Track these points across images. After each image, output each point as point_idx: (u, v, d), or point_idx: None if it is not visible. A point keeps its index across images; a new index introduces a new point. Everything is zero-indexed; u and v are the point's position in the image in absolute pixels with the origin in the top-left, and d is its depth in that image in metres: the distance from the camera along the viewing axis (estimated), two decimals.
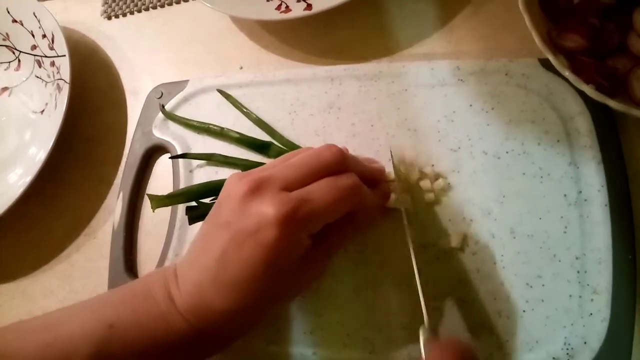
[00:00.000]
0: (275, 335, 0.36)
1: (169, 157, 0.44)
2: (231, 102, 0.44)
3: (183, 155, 0.43)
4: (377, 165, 0.38)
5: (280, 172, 0.31)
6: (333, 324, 0.36)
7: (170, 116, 0.45)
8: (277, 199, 0.29)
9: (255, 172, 0.32)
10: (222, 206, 0.31)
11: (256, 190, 0.30)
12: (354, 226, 0.34)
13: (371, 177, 0.36)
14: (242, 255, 0.29)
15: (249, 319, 0.32)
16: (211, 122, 0.44)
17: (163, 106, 0.46)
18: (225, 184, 0.32)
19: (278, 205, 0.28)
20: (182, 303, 0.31)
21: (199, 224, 0.37)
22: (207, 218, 0.33)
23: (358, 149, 0.40)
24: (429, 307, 0.31)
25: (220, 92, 0.45)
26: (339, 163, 0.32)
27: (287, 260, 0.30)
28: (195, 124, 0.44)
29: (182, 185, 0.43)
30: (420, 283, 0.32)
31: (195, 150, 0.44)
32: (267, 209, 0.29)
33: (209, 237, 0.31)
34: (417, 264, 0.33)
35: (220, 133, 0.43)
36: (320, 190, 0.30)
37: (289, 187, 0.30)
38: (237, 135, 0.42)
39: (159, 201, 0.39)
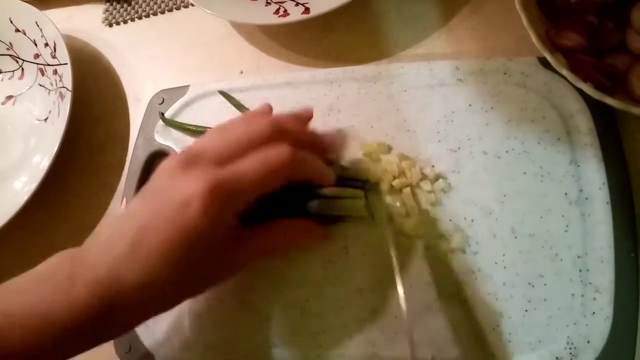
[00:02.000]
0: (278, 338, 0.36)
1: None
2: (233, 104, 0.44)
3: None
4: (329, 137, 0.37)
5: (210, 147, 0.31)
6: (336, 326, 0.36)
7: (168, 122, 0.46)
8: (203, 174, 0.29)
9: (189, 148, 0.32)
10: (153, 179, 0.31)
11: (185, 164, 0.30)
12: (288, 235, 0.35)
13: (315, 144, 0.35)
14: (164, 226, 0.28)
15: (162, 295, 0.31)
16: (208, 126, 0.44)
17: (162, 114, 0.46)
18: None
19: (203, 180, 0.29)
20: (92, 276, 0.29)
21: None
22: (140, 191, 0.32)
23: (358, 151, 0.40)
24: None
25: (222, 93, 0.45)
26: (271, 134, 0.32)
27: (210, 237, 0.29)
28: (192, 128, 0.45)
29: None
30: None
31: None
32: (193, 183, 0.29)
33: (133, 207, 0.31)
34: (397, 263, 0.33)
35: None
36: (248, 164, 0.30)
37: (219, 162, 0.30)
38: None
39: None
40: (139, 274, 0.29)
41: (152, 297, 0.30)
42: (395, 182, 0.37)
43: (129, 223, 0.30)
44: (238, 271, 0.35)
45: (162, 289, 0.30)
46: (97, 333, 0.30)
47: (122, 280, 0.29)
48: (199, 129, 0.44)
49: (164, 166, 0.31)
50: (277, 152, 0.31)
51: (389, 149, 0.39)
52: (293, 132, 0.34)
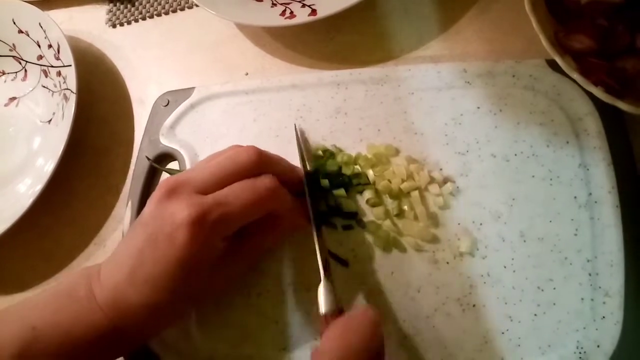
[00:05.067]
0: (286, 341, 0.36)
1: None
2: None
3: None
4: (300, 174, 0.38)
5: (197, 175, 0.32)
6: None
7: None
8: (190, 202, 0.30)
9: (175, 176, 0.33)
10: (146, 206, 0.32)
11: (172, 192, 0.31)
12: (275, 231, 0.36)
13: (295, 180, 0.36)
14: (157, 253, 0.30)
15: (164, 314, 0.33)
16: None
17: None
18: None
19: (190, 208, 0.30)
20: (102, 298, 0.32)
21: None
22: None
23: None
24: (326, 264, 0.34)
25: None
26: (256, 165, 0.33)
27: (200, 261, 0.31)
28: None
29: None
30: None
31: (202, 156, 0.44)
32: (180, 211, 0.30)
33: (130, 236, 0.33)
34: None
35: None
36: (234, 193, 0.31)
37: (204, 190, 0.31)
38: None
39: None
40: (141, 297, 0.31)
41: (156, 316, 0.32)
42: (404, 186, 0.37)
43: (128, 251, 0.32)
44: (235, 280, 0.36)
45: (163, 307, 0.32)
46: (111, 348, 0.33)
47: (127, 302, 0.31)
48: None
49: (154, 193, 0.32)
50: (263, 183, 0.32)
51: (396, 152, 0.39)
52: (276, 167, 0.35)
